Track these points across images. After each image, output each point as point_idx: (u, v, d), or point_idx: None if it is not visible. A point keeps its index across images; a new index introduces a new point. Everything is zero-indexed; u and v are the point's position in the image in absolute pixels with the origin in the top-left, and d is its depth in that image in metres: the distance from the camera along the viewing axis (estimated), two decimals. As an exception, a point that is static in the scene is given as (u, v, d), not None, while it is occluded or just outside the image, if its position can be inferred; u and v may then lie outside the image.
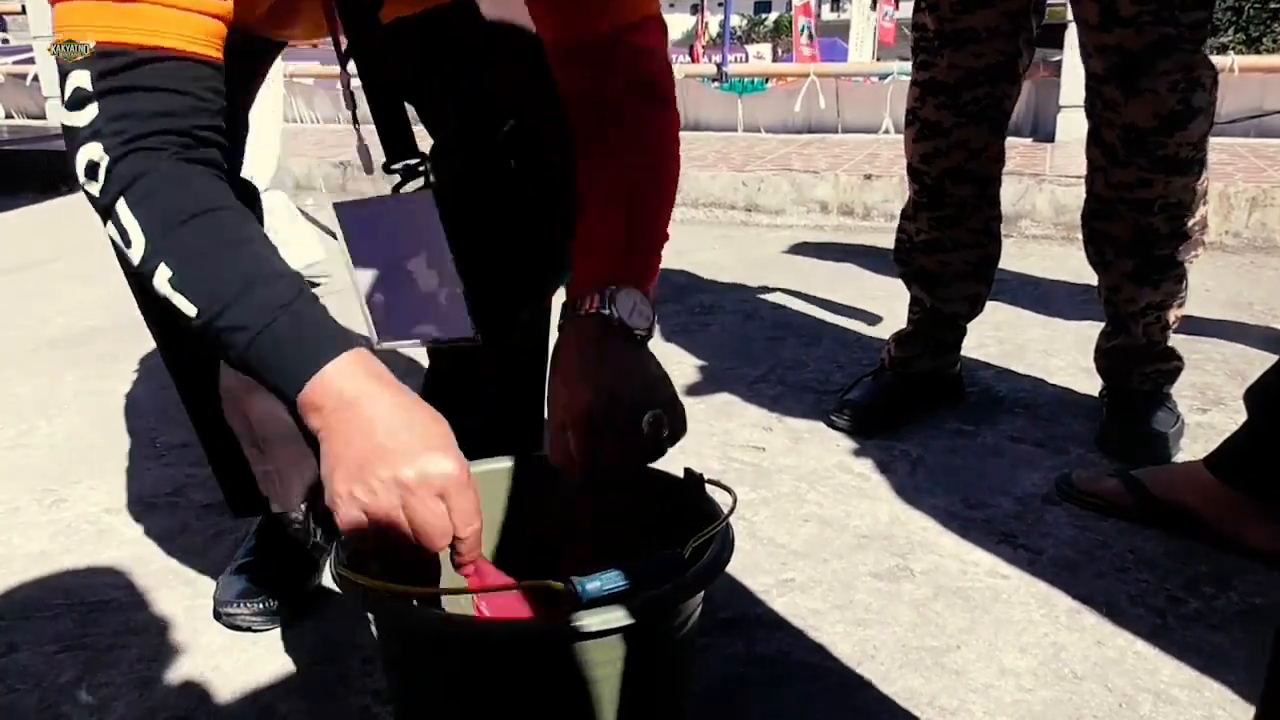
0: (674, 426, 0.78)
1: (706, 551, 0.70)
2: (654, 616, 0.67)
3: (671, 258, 2.40)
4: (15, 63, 5.72)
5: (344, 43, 0.87)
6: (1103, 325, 1.50)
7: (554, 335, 0.89)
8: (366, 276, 0.91)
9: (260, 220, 1.03)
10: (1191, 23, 1.22)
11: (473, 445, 0.89)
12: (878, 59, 8.47)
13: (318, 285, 2.27)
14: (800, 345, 1.93)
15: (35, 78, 5.40)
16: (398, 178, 0.88)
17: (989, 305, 1.59)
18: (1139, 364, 1.45)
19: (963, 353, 1.61)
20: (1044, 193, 2.80)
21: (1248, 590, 1.06)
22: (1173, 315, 1.42)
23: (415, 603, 0.69)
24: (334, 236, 1.92)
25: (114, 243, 0.69)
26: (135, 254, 0.67)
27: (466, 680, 0.68)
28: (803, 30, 9.14)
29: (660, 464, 0.80)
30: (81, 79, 0.66)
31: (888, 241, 1.75)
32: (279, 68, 2.36)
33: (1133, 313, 1.41)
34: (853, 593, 1.08)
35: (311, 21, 0.90)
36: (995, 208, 1.49)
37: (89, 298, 2.39)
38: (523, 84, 0.91)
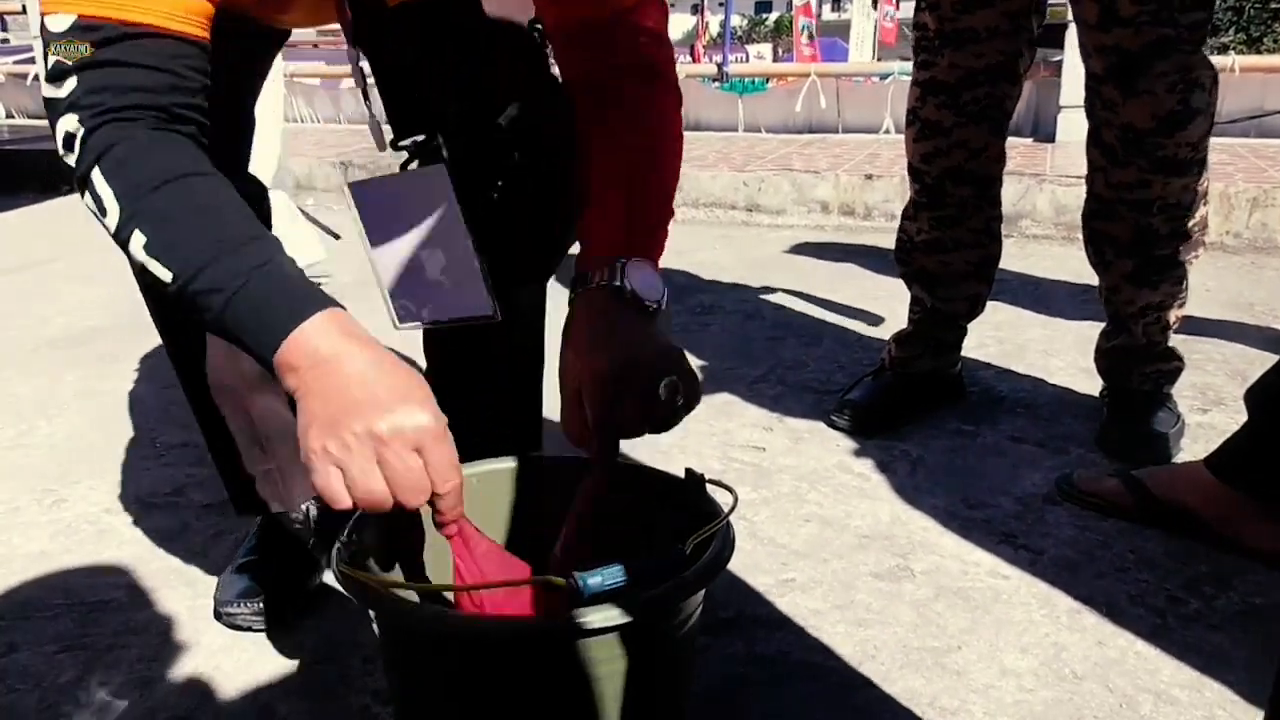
0: (689, 394, 0.77)
1: (707, 550, 0.70)
2: (654, 615, 0.67)
3: (671, 258, 2.40)
4: (15, 62, 5.72)
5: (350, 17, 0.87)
6: (1103, 325, 1.50)
7: (552, 337, 0.90)
8: (384, 258, 0.91)
9: (267, 217, 1.03)
10: (1190, 24, 1.22)
11: (473, 445, 0.89)
12: (878, 59, 8.47)
13: (319, 285, 2.26)
14: (801, 345, 1.93)
15: (36, 77, 5.40)
16: (405, 155, 0.88)
17: (989, 305, 1.59)
18: (1139, 364, 1.45)
19: (963, 353, 1.61)
20: (1044, 193, 2.80)
21: (1248, 590, 1.06)
22: (1173, 315, 1.41)
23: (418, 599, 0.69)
24: (335, 236, 1.93)
25: (91, 212, 0.69)
26: (111, 221, 0.68)
27: (466, 679, 0.68)
28: (803, 30, 9.15)
29: (660, 464, 0.80)
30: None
31: (888, 241, 1.75)
32: (279, 67, 2.36)
33: (1132, 313, 1.41)
34: (853, 593, 1.08)
35: (309, 4, 0.90)
36: (996, 208, 1.49)
37: (89, 298, 2.39)
38: (523, 77, 0.92)
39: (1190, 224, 1.33)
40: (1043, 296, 2.20)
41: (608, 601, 0.63)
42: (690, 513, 0.77)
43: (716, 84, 4.75)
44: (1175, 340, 1.46)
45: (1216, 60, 2.93)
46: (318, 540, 1.10)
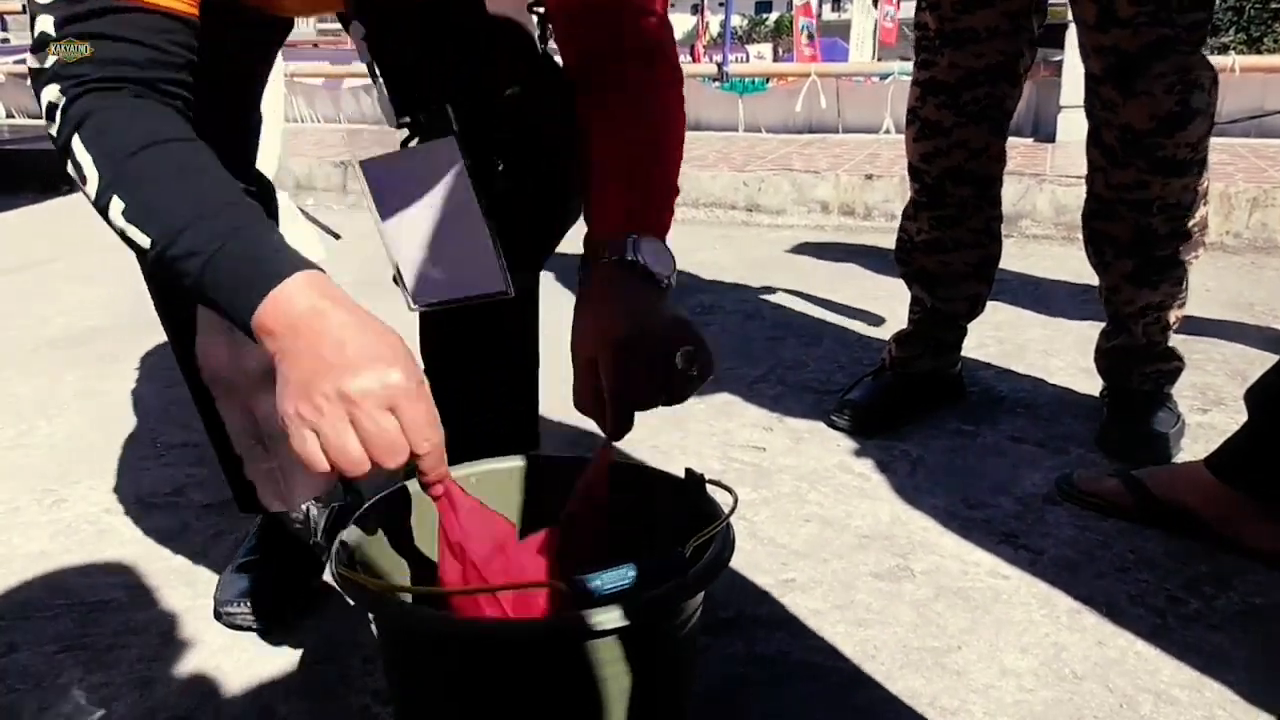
0: (704, 364, 0.77)
1: (707, 551, 0.70)
2: (655, 616, 0.67)
3: (672, 258, 2.40)
4: (15, 62, 5.72)
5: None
6: (1103, 325, 1.50)
7: (544, 327, 0.90)
8: (397, 235, 0.91)
9: (274, 215, 1.03)
10: (1189, 24, 1.22)
11: (469, 435, 0.89)
12: (879, 59, 8.47)
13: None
14: (801, 345, 1.93)
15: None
16: (406, 132, 0.89)
17: (989, 305, 1.59)
18: (1139, 364, 1.45)
19: (963, 353, 1.61)
20: (1044, 193, 2.80)
21: (1248, 590, 1.06)
22: (1173, 316, 1.41)
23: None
24: (335, 236, 1.93)
25: (73, 180, 0.69)
26: (90, 189, 0.68)
27: (466, 680, 0.68)
28: (803, 30, 9.15)
29: (660, 464, 0.80)
30: (46, 24, 0.67)
31: (888, 241, 1.75)
32: (280, 67, 2.36)
33: (1132, 313, 1.41)
34: (853, 593, 1.08)
35: None
36: (996, 208, 1.49)
37: (89, 298, 2.39)
38: (523, 76, 0.92)
39: (1190, 224, 1.33)
40: (1043, 296, 2.20)
41: (608, 603, 0.63)
42: (690, 513, 0.77)
43: (716, 84, 4.75)
44: (1175, 340, 1.46)
45: (1216, 60, 2.94)
46: (318, 540, 1.10)
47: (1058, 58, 3.68)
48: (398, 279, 0.94)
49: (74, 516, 1.31)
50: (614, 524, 0.80)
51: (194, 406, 1.05)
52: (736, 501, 0.75)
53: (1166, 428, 1.39)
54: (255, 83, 1.04)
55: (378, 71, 0.91)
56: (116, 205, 0.67)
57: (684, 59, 9.70)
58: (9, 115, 5.77)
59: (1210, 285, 2.21)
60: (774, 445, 1.47)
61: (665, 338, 0.76)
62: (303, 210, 2.37)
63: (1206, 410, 1.53)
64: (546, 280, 1.09)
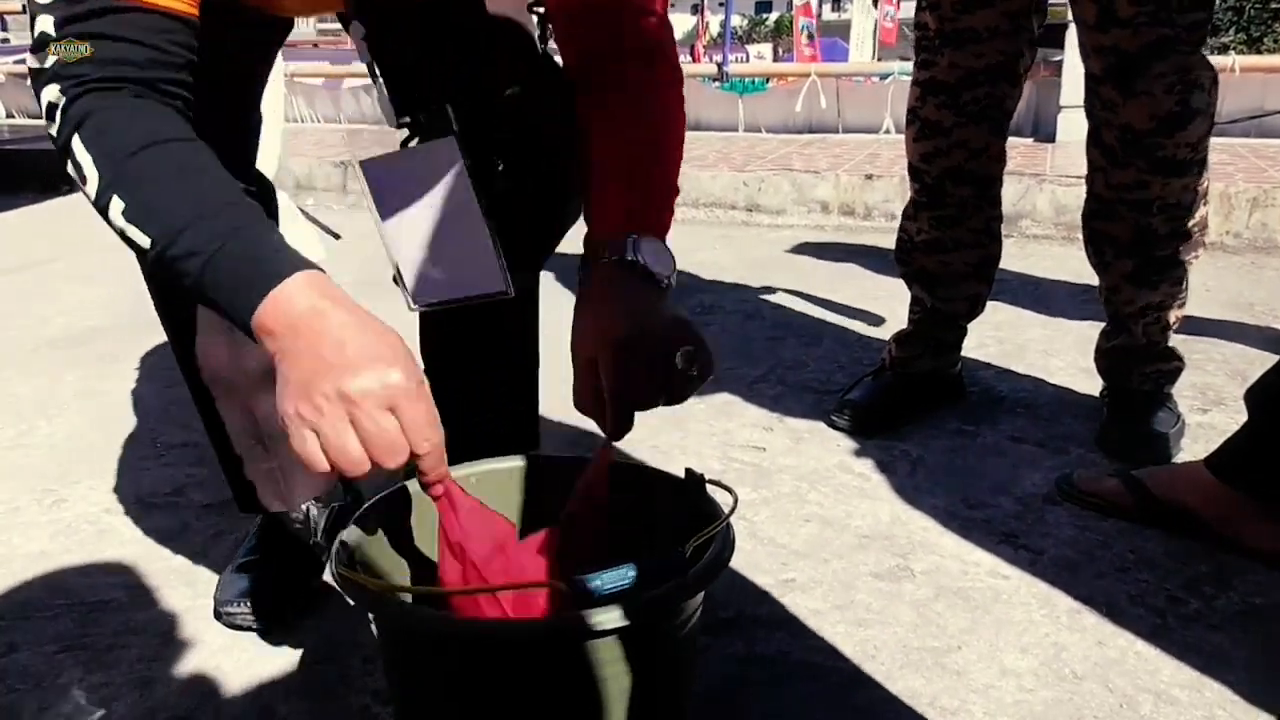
0: (704, 364, 0.77)
1: (707, 551, 0.70)
2: (655, 616, 0.67)
3: (672, 258, 2.40)
4: (15, 62, 5.72)
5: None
6: (1103, 325, 1.50)
7: (544, 328, 0.90)
8: (397, 235, 0.91)
9: (274, 215, 1.03)
10: (1189, 24, 1.22)
11: (469, 435, 0.89)
12: (879, 59, 8.47)
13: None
14: (801, 345, 1.93)
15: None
16: (407, 132, 0.89)
17: (989, 305, 1.59)
18: (1139, 364, 1.45)
19: (963, 353, 1.61)
20: (1044, 193, 2.80)
21: (1248, 590, 1.06)
22: (1173, 316, 1.41)
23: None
24: (335, 236, 1.93)
25: (73, 180, 0.69)
26: (90, 189, 0.68)
27: (466, 680, 0.68)
28: (803, 30, 9.15)
29: (660, 464, 0.80)
30: (46, 24, 0.67)
31: (888, 241, 1.75)
32: (280, 67, 2.36)
33: (1132, 313, 1.41)
34: (853, 593, 1.08)
35: None
36: (996, 208, 1.49)
37: (89, 298, 2.39)
38: (523, 77, 0.93)
39: (1190, 224, 1.33)
40: (1043, 296, 2.20)
41: (608, 603, 0.63)
42: (690, 513, 0.77)
43: (716, 84, 4.75)
44: (1175, 340, 1.46)
45: (1216, 60, 2.94)
46: (318, 540, 1.10)
47: (1058, 58, 3.68)
48: (398, 279, 0.94)
49: (74, 516, 1.31)
50: (614, 524, 0.80)
51: (194, 406, 1.05)
52: (736, 501, 0.75)
53: (1166, 428, 1.39)
54: (255, 83, 1.04)
55: (378, 71, 0.91)
56: (116, 205, 0.67)
57: (684, 59, 9.70)
58: (9, 115, 5.77)
59: (1210, 285, 2.21)
60: (774, 445, 1.47)
61: (665, 338, 0.76)
62: (303, 210, 2.37)
63: (1206, 410, 1.53)
64: (546, 280, 1.09)
